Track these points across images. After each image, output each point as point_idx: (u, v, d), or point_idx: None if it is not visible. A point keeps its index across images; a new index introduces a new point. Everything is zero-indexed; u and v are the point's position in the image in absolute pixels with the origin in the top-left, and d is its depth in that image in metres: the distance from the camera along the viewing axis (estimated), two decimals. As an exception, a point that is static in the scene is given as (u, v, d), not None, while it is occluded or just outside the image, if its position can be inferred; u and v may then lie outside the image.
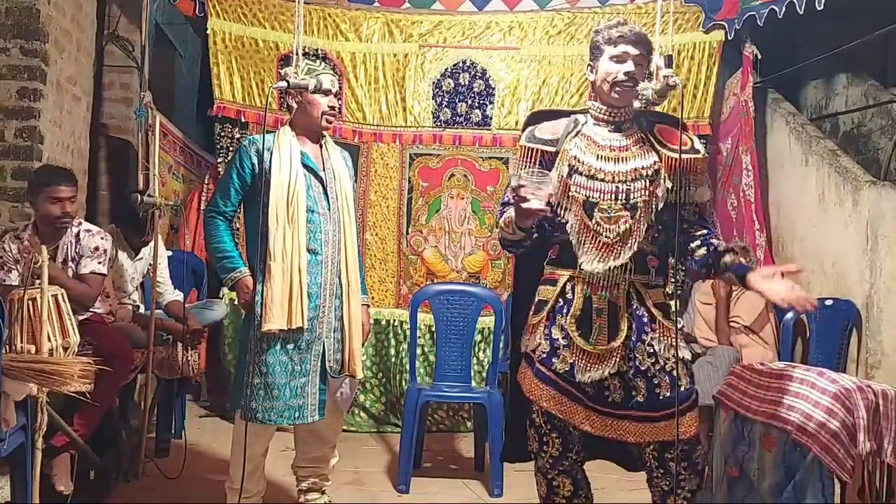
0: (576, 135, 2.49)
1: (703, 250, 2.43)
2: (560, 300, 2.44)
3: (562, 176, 2.44)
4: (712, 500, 2.90)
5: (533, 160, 2.48)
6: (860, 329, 4.04)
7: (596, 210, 2.41)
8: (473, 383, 4.15)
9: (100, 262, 3.39)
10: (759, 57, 4.80)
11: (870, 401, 2.52)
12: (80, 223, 3.47)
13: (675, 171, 2.41)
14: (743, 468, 2.95)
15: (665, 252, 2.46)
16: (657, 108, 2.62)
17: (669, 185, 2.39)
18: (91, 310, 3.42)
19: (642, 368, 2.39)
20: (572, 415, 2.41)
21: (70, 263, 3.37)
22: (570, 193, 2.43)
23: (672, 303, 2.46)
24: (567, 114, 2.58)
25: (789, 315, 4.35)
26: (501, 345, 4.31)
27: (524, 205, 2.22)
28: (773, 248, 4.85)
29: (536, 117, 2.62)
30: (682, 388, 2.39)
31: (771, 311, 4.27)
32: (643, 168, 2.41)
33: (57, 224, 3.34)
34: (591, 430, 2.41)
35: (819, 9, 4.13)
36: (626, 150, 2.44)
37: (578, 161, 2.44)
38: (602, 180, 2.42)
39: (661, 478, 2.44)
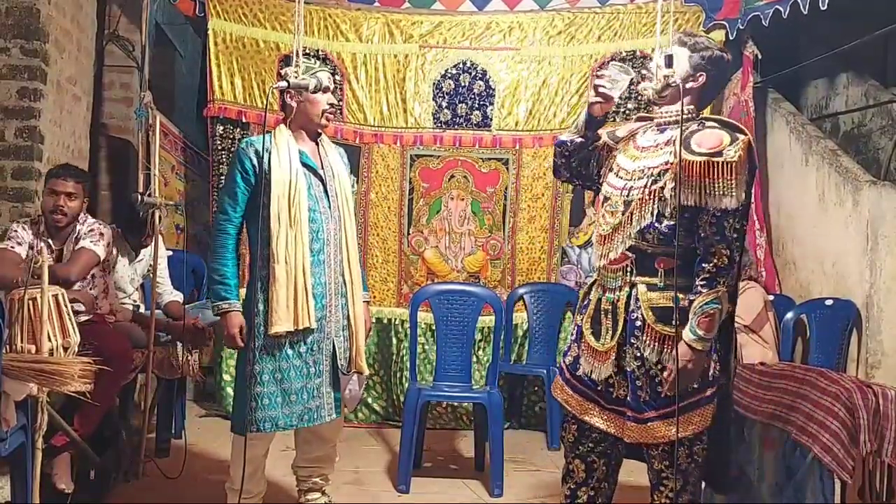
0: (631, 137, 2.60)
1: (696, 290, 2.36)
2: (584, 301, 2.62)
3: (604, 174, 2.60)
4: (712, 500, 2.90)
5: (598, 144, 2.65)
6: (860, 329, 4.04)
7: (606, 204, 2.53)
8: (473, 383, 4.15)
9: (93, 242, 3.34)
10: (760, 57, 4.81)
11: (870, 401, 2.52)
12: (84, 220, 3.47)
13: (691, 175, 2.32)
14: (743, 468, 2.95)
15: (688, 256, 2.39)
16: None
17: (671, 185, 2.35)
18: (93, 311, 3.43)
19: (628, 370, 2.45)
20: (577, 406, 2.57)
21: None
22: (602, 189, 2.60)
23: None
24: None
25: (789, 315, 4.36)
26: (501, 344, 4.31)
27: (598, 87, 2.45)
28: (773, 247, 4.85)
29: (637, 120, 2.73)
30: (663, 394, 2.38)
31: (770, 310, 4.27)
32: (649, 168, 2.43)
33: (50, 220, 3.34)
34: (592, 422, 2.54)
35: (823, 9, 4.13)
36: (647, 151, 2.49)
37: (615, 160, 2.57)
38: (620, 178, 2.51)
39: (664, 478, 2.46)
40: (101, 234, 3.40)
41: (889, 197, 3.96)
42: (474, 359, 4.60)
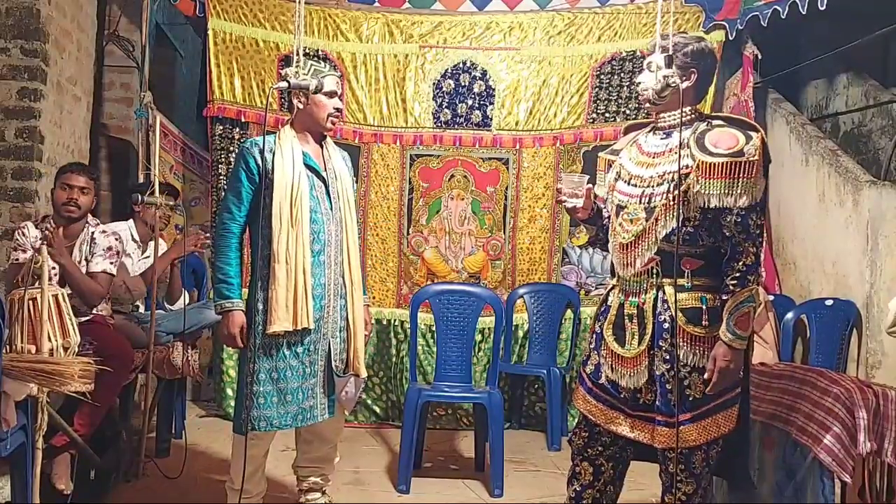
0: (633, 143, 2.58)
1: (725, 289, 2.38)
2: (603, 307, 2.60)
3: (609, 182, 2.58)
4: (713, 499, 2.89)
5: (602, 169, 2.68)
6: (860, 329, 4.04)
7: (622, 213, 2.50)
8: (473, 383, 4.15)
9: (111, 263, 3.42)
10: (760, 57, 4.81)
11: (870, 401, 2.53)
12: (97, 223, 3.49)
13: (709, 176, 2.32)
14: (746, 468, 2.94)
15: (713, 255, 2.41)
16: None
17: (697, 188, 2.34)
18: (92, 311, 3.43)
19: (657, 374, 2.42)
20: (602, 416, 2.54)
21: (83, 262, 3.39)
22: (611, 198, 2.57)
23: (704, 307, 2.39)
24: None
25: (789, 315, 4.36)
26: (501, 344, 4.30)
27: (562, 204, 2.56)
28: (774, 247, 4.86)
29: (626, 130, 2.74)
30: (692, 397, 2.38)
31: (770, 310, 4.27)
32: (669, 173, 2.41)
33: (63, 211, 3.34)
34: (619, 431, 2.51)
35: (822, 9, 4.13)
36: (661, 156, 2.47)
37: (623, 168, 2.55)
38: (634, 185, 2.49)
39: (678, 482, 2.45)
40: (117, 253, 3.48)
41: (889, 197, 3.96)
42: (474, 359, 4.60)
